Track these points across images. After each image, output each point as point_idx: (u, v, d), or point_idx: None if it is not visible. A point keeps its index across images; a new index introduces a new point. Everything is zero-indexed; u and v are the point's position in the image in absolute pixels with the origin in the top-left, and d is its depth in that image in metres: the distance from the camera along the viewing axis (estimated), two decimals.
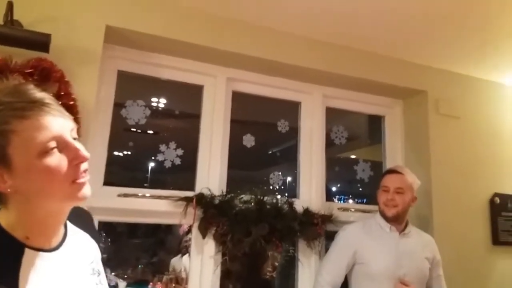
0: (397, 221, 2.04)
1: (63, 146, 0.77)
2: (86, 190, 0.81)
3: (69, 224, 0.93)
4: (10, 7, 1.62)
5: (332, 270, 2.01)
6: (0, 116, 0.73)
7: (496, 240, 2.59)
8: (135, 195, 2.03)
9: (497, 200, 2.64)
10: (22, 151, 0.73)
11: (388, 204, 2.02)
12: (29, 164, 0.73)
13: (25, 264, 0.75)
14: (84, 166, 0.81)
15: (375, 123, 2.82)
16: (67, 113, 0.81)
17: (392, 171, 2.11)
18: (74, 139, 0.80)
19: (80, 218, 0.98)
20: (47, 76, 1.68)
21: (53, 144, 0.75)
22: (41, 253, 0.80)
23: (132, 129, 2.16)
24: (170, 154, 2.16)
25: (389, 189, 2.04)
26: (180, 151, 2.18)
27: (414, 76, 2.60)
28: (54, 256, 0.83)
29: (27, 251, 0.77)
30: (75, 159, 0.78)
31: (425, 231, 2.20)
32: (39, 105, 0.75)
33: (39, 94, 0.77)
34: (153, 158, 2.16)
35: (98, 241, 1.03)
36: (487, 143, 2.72)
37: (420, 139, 2.62)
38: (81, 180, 0.80)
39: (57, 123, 0.76)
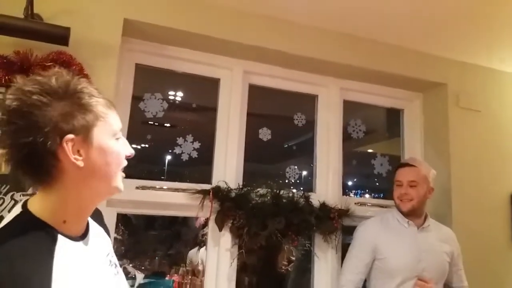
0: (414, 215, 2.00)
1: (120, 139, 0.93)
2: (122, 184, 0.94)
3: (89, 218, 0.97)
4: (30, 1, 1.64)
5: (354, 268, 1.98)
6: (96, 104, 0.86)
7: None
8: (153, 188, 2.04)
9: None
10: (102, 133, 0.86)
11: (402, 198, 1.99)
12: (103, 144, 0.86)
13: (58, 251, 0.80)
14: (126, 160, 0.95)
15: (393, 116, 2.77)
16: None
17: (404, 165, 2.07)
18: None
19: (95, 213, 1.02)
20: (67, 69, 1.70)
21: (119, 135, 0.92)
22: (71, 241, 0.85)
23: (150, 122, 2.17)
24: (187, 147, 2.17)
25: (403, 183, 2.00)
26: (197, 144, 2.19)
27: (434, 69, 2.55)
28: (81, 245, 0.89)
29: (60, 238, 0.83)
30: (127, 152, 0.93)
31: (445, 226, 2.16)
32: (112, 104, 0.93)
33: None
34: (170, 151, 2.17)
35: (109, 236, 1.09)
36: (509, 138, 2.65)
37: (440, 133, 2.57)
38: (123, 175, 0.93)
39: (119, 120, 0.93)
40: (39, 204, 0.84)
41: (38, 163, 0.80)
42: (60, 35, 1.66)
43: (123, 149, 0.92)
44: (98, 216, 1.06)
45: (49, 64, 1.68)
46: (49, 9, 1.75)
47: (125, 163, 0.93)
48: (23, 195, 1.62)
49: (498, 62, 2.63)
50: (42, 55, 1.68)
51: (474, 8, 2.03)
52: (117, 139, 0.90)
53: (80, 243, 0.88)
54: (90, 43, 1.81)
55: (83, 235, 0.91)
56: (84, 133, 0.83)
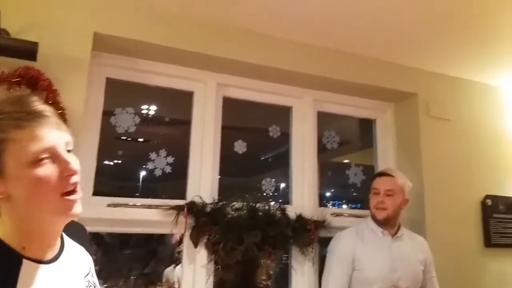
0: (389, 224, 2.02)
1: (55, 158, 0.78)
2: (77, 208, 0.82)
3: (65, 236, 0.93)
4: None
5: (338, 283, 1.95)
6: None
7: (488, 242, 2.59)
8: (126, 205, 1.99)
9: (489, 202, 2.64)
10: (15, 159, 0.75)
11: (378, 206, 2.01)
12: (20, 172, 0.75)
13: (22, 275, 0.76)
14: (74, 179, 0.81)
15: (366, 126, 2.81)
16: (64, 126, 0.83)
17: (382, 174, 2.11)
18: (69, 151, 0.82)
19: (75, 231, 0.98)
20: (35, 84, 1.66)
21: (44, 155, 0.77)
22: (38, 264, 0.80)
23: (122, 137, 2.13)
24: (161, 162, 2.13)
25: (380, 192, 2.03)
26: (170, 159, 2.15)
27: (405, 79, 2.61)
28: (51, 268, 0.83)
29: (25, 262, 0.78)
30: (65, 171, 0.79)
31: (417, 234, 2.19)
32: (37, 116, 0.77)
33: (40, 106, 0.80)
34: (143, 166, 2.13)
35: (91, 255, 1.03)
36: (478, 145, 2.73)
37: (412, 142, 2.62)
38: (72, 197, 0.81)
39: (52, 135, 0.78)
40: (0, 227, 0.80)
41: None
42: (28, 50, 1.62)
43: (56, 172, 0.78)
44: (80, 234, 1.01)
45: (16, 79, 1.63)
46: (16, 23, 1.71)
47: (72, 180, 0.81)
48: None
49: (466, 71, 2.72)
50: (9, 71, 1.63)
51: (442, 19, 2.09)
52: (42, 160, 0.76)
53: (51, 266, 0.83)
54: (59, 57, 1.77)
55: (55, 257, 0.86)
56: None
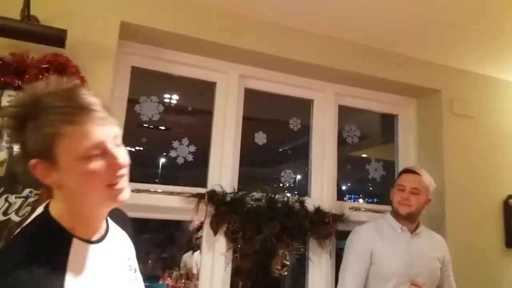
0: (409, 220, 2.01)
1: (104, 153, 0.82)
2: (125, 194, 0.87)
3: (110, 221, 0.99)
4: (27, 2, 1.64)
5: (353, 279, 1.95)
6: (50, 119, 0.78)
7: (510, 243, 2.55)
8: (148, 191, 2.04)
9: None
10: (67, 153, 0.79)
11: (403, 202, 2.00)
12: (71, 165, 0.80)
13: (73, 251, 0.82)
14: (122, 171, 0.86)
15: (388, 122, 2.79)
16: (112, 119, 0.86)
17: (409, 171, 2.09)
18: (118, 145, 0.86)
19: (119, 217, 1.04)
20: (63, 71, 1.70)
21: (95, 151, 0.81)
22: (86, 243, 0.87)
23: (145, 125, 2.17)
24: (183, 150, 2.17)
25: (405, 189, 2.02)
26: (192, 148, 2.19)
27: (429, 75, 2.57)
28: (97, 248, 0.89)
29: (75, 240, 0.84)
30: (113, 166, 0.83)
31: (437, 233, 2.17)
32: (86, 111, 0.80)
33: (88, 99, 0.82)
34: (165, 154, 2.17)
35: (133, 241, 1.09)
36: (502, 144, 2.68)
37: (434, 139, 2.59)
38: (118, 186, 0.85)
39: (101, 131, 0.82)
40: (55, 207, 0.87)
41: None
42: (57, 37, 1.65)
43: (104, 165, 0.82)
44: (123, 220, 1.07)
45: (45, 66, 1.68)
46: (46, 11, 1.75)
47: (120, 172, 0.85)
48: (17, 197, 1.61)
49: (491, 68, 2.66)
50: (38, 57, 1.67)
51: (469, 15, 2.05)
52: (92, 155, 0.80)
53: (97, 245, 0.89)
54: (87, 45, 1.81)
55: (101, 238, 0.92)
56: (47, 156, 0.79)
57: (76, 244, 0.84)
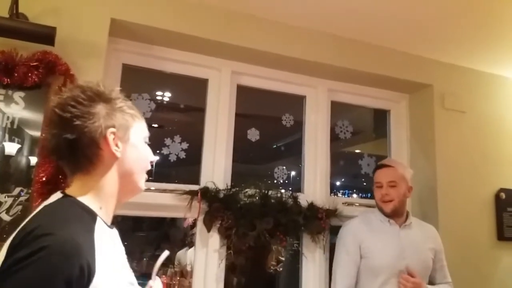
0: (396, 215, 2.02)
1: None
2: (144, 184, 1.08)
3: None
4: (15, 0, 1.62)
5: (345, 274, 1.97)
6: (132, 111, 1.04)
7: (501, 235, 2.58)
8: None
9: (503, 195, 2.62)
10: (137, 134, 1.04)
11: (384, 199, 2.01)
12: (137, 142, 1.04)
13: (97, 228, 0.90)
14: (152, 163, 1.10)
15: (380, 117, 2.80)
16: None
17: (381, 166, 2.10)
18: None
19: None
20: (52, 69, 1.69)
21: (148, 139, 1.09)
22: (105, 225, 0.96)
23: None
24: (175, 147, 2.17)
25: (382, 184, 2.02)
26: (185, 145, 2.18)
27: (420, 70, 2.58)
28: (110, 233, 0.99)
29: (98, 219, 0.93)
30: (151, 157, 1.09)
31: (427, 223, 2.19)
32: (140, 115, 1.09)
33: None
34: (158, 151, 2.16)
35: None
36: (493, 138, 2.70)
37: (426, 133, 2.60)
38: (146, 177, 1.09)
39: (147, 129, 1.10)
40: (79, 190, 0.95)
41: (83, 149, 0.93)
42: (46, 35, 1.64)
43: (150, 153, 1.08)
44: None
45: (35, 64, 1.66)
46: (34, 8, 1.73)
47: (149, 166, 1.08)
48: (8, 196, 1.60)
49: (483, 63, 2.67)
50: (27, 55, 1.66)
51: (460, 11, 2.06)
52: (146, 142, 1.07)
53: (110, 231, 0.99)
54: (77, 43, 1.79)
55: (112, 225, 1.02)
56: (123, 130, 0.99)
57: (99, 222, 0.92)
